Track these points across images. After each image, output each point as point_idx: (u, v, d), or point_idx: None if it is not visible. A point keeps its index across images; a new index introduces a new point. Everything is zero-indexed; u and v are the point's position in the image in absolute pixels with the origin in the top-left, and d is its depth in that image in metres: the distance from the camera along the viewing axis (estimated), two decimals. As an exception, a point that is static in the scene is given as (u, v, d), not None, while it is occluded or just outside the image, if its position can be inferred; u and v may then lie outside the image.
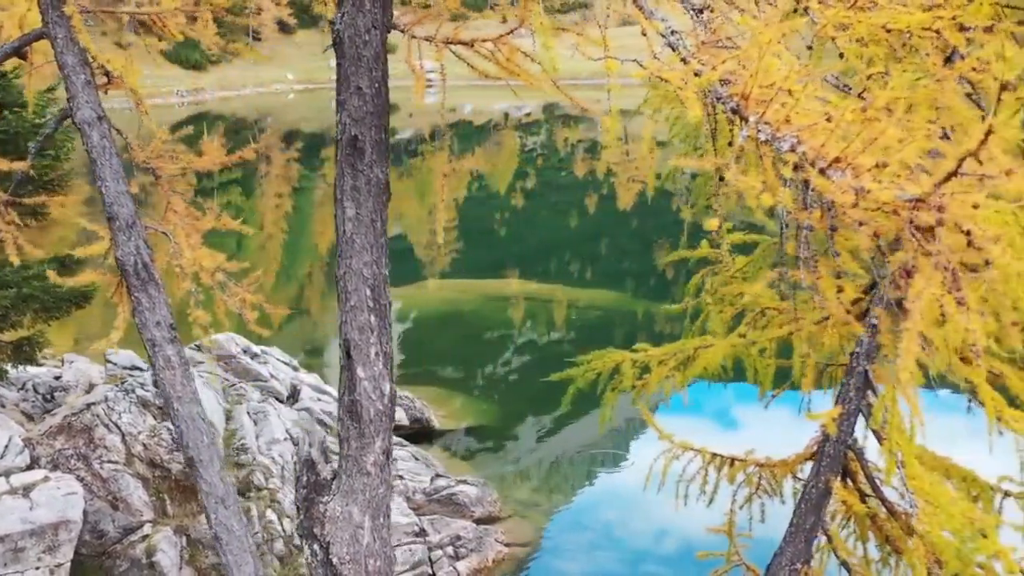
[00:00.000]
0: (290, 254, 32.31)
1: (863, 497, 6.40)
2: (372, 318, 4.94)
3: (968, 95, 4.79)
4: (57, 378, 13.01)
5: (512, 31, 4.56)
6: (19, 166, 6.25)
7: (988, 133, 2.62)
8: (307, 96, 76.80)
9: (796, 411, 6.55)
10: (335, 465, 5.22)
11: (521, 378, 20.56)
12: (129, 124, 6.81)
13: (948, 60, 4.86)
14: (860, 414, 6.37)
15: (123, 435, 11.22)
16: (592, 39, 4.38)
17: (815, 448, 6.57)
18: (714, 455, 7.50)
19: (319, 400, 14.48)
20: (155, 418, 11.43)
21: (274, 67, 78.36)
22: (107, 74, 5.71)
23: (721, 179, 3.84)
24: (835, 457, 6.18)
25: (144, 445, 11.20)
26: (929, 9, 4.46)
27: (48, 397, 12.59)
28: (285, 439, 12.37)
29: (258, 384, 13.94)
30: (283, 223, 36.93)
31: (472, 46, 4.82)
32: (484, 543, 12.24)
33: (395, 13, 5.03)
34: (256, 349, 15.28)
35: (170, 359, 5.60)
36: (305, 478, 5.03)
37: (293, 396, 14.67)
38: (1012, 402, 5.28)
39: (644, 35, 4.02)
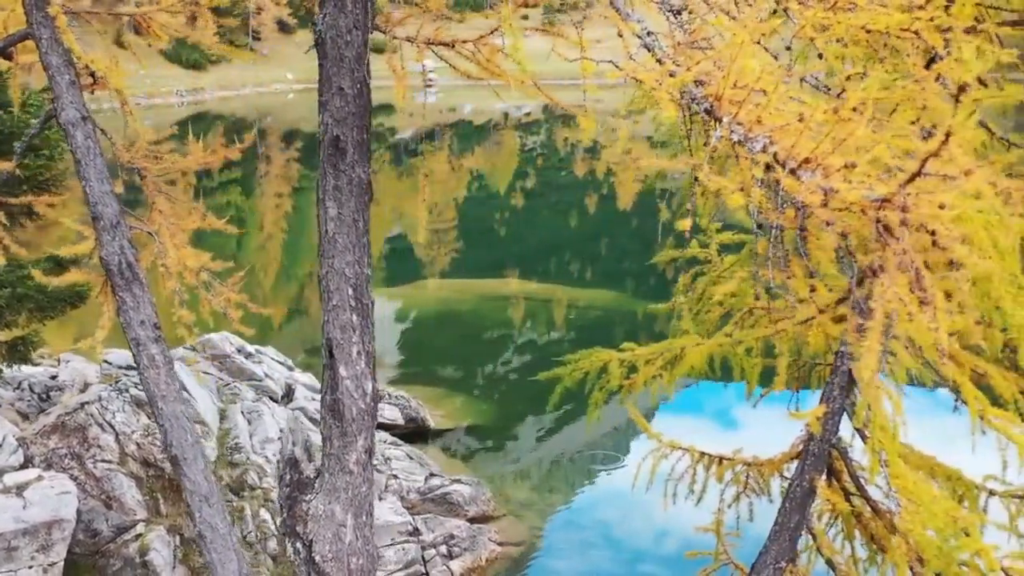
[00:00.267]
0: (290, 254, 32.33)
1: (848, 496, 6.42)
2: (354, 317, 4.96)
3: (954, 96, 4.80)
4: (53, 377, 13.05)
5: (492, 32, 4.58)
6: (4, 166, 6.28)
7: (948, 135, 2.65)
8: (307, 96, 76.79)
9: (789, 410, 6.57)
10: (319, 463, 5.24)
11: (520, 378, 20.56)
12: (121, 124, 6.84)
13: (932, 61, 4.88)
14: (845, 413, 6.39)
15: (117, 434, 11.25)
16: (571, 40, 4.41)
17: (800, 447, 6.59)
18: (702, 454, 7.52)
19: (314, 399, 14.51)
20: (149, 417, 11.45)
21: (274, 67, 78.43)
22: (92, 75, 5.74)
23: (696, 179, 3.86)
24: (819, 456, 6.19)
25: (138, 444, 11.23)
26: (908, 10, 4.47)
27: (44, 396, 12.63)
28: (279, 438, 12.40)
29: (252, 383, 13.97)
30: (283, 223, 36.97)
31: (453, 47, 4.84)
32: (478, 542, 12.26)
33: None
34: (251, 349, 15.32)
35: (154, 358, 5.62)
36: (288, 476, 5.06)
37: (288, 395, 14.70)
38: (996, 401, 5.31)
39: (620, 36, 4.04)
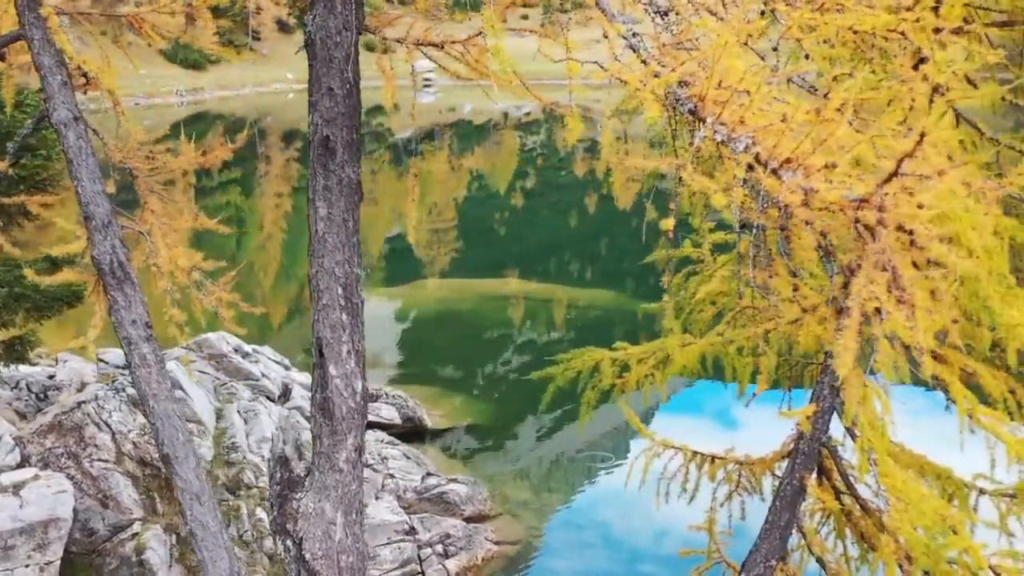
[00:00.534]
0: (289, 254, 32.35)
1: (838, 494, 6.45)
2: (344, 316, 4.99)
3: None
4: (51, 377, 13.09)
5: (480, 33, 4.60)
6: (-2, 166, 6.32)
7: (922, 135, 2.67)
8: (306, 96, 76.59)
9: (781, 409, 6.60)
10: (310, 462, 5.27)
11: (518, 378, 20.57)
12: (115, 125, 6.87)
13: (922, 62, 4.90)
14: (835, 412, 6.42)
15: (113, 433, 11.29)
16: (561, 41, 4.43)
17: (791, 446, 6.62)
18: (695, 453, 7.55)
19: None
20: (145, 417, 11.49)
21: (274, 66, 78.46)
22: (85, 75, 5.77)
23: (680, 179, 3.88)
24: (809, 455, 6.22)
25: (134, 443, 11.26)
26: (895, 11, 4.49)
27: (41, 396, 12.66)
28: (272, 440, 12.44)
29: (249, 383, 14.00)
30: (282, 223, 36.99)
31: (442, 48, 4.87)
32: (474, 541, 12.29)
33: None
34: (248, 348, 15.35)
35: (145, 357, 5.66)
36: (279, 474, 5.09)
37: (284, 395, 14.74)
38: (986, 400, 5.33)
39: (606, 37, 4.07)
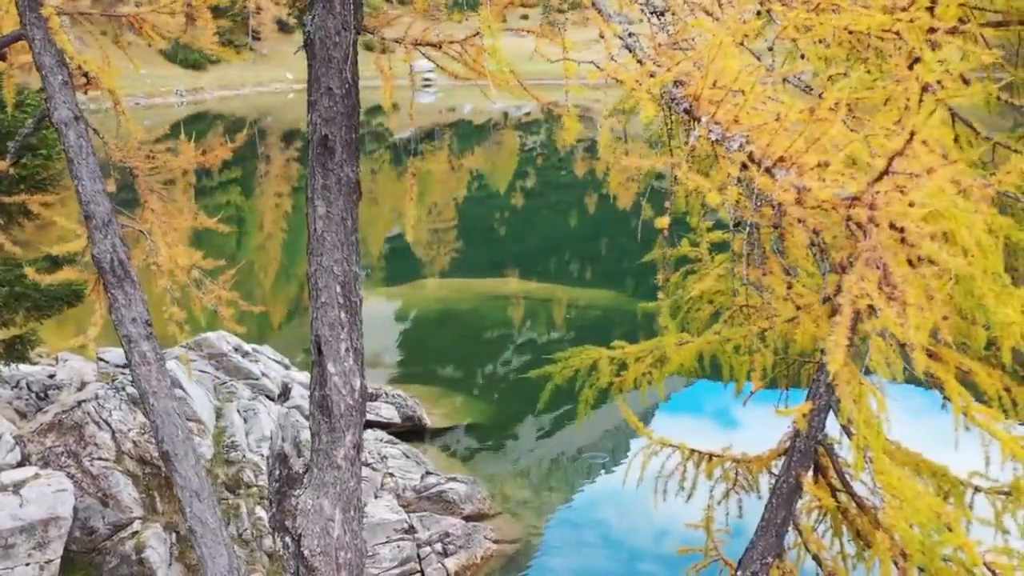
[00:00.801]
0: (289, 253, 32.38)
1: (834, 492, 6.48)
2: (343, 314, 5.03)
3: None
4: (51, 376, 13.13)
5: (477, 33, 4.64)
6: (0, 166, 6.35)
7: (912, 134, 2.71)
8: (306, 95, 76.61)
9: (777, 407, 6.63)
10: (308, 459, 5.31)
11: (518, 378, 20.58)
12: (115, 124, 6.90)
13: (917, 62, 4.93)
14: (831, 410, 6.45)
15: (113, 432, 11.32)
16: (557, 40, 4.46)
17: (788, 444, 6.65)
18: (692, 451, 7.58)
19: (310, 398, 14.57)
20: (145, 415, 11.52)
21: (274, 66, 78.50)
22: (85, 75, 5.81)
23: (675, 178, 3.92)
24: (805, 452, 6.25)
25: (134, 442, 11.30)
26: (891, 12, 4.52)
27: (41, 395, 12.70)
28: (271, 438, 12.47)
29: (249, 382, 14.04)
30: (282, 222, 37.02)
31: (440, 48, 4.90)
32: (473, 540, 12.32)
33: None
34: (248, 347, 15.39)
35: (145, 355, 5.69)
36: (277, 472, 5.12)
37: (284, 394, 14.77)
38: (981, 398, 5.37)
39: (602, 37, 4.10)
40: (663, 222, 3.54)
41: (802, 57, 4.93)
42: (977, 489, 6.53)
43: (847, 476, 6.42)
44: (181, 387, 12.15)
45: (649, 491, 7.97)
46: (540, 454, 16.54)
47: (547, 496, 14.68)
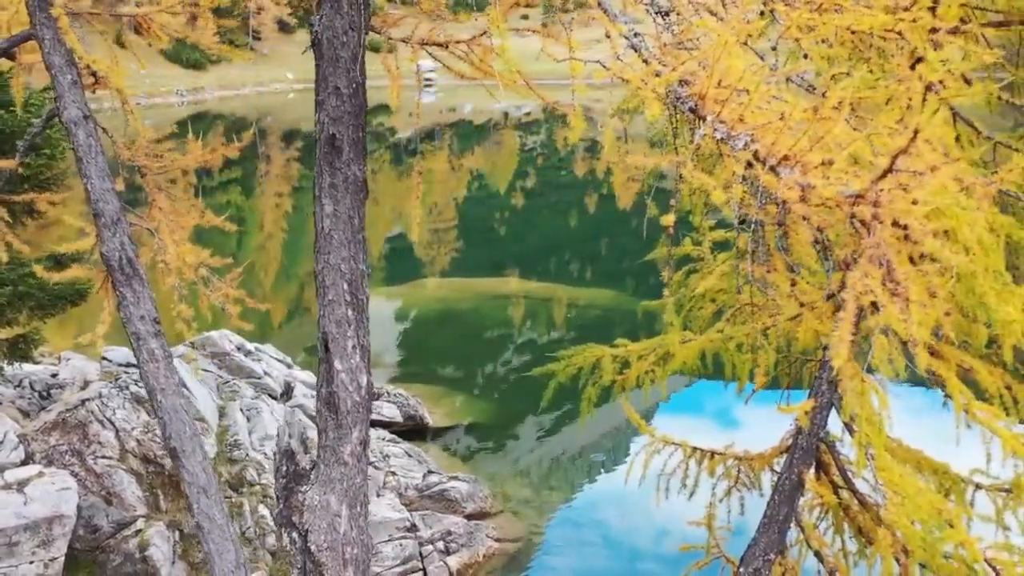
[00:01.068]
0: (289, 253, 32.41)
1: (836, 489, 6.52)
2: (350, 312, 5.07)
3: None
4: (54, 375, 13.17)
5: (484, 33, 4.68)
6: (6, 165, 6.39)
7: (915, 132, 2.75)
8: (307, 95, 76.01)
9: (779, 405, 6.66)
10: (315, 455, 5.34)
11: (519, 377, 20.62)
12: (121, 123, 6.95)
13: (919, 61, 4.97)
14: (834, 408, 6.49)
15: (117, 431, 11.36)
16: (564, 40, 4.51)
17: (790, 441, 6.69)
18: (694, 449, 7.62)
19: (312, 397, 14.61)
20: (149, 414, 11.57)
21: (274, 66, 78.55)
22: (94, 74, 5.86)
23: (681, 176, 3.96)
24: (807, 450, 6.29)
25: (138, 441, 11.34)
26: (893, 12, 4.56)
27: (45, 394, 12.75)
28: (278, 435, 12.51)
29: (252, 381, 14.08)
30: (283, 222, 37.06)
31: (447, 47, 4.94)
32: (475, 538, 12.36)
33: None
34: (250, 346, 15.43)
35: (154, 352, 5.74)
36: (284, 468, 5.16)
37: (287, 393, 14.81)
38: (981, 396, 5.40)
39: (608, 37, 4.15)
40: (669, 220, 3.58)
41: (805, 57, 4.97)
42: (978, 486, 6.57)
43: (849, 473, 6.46)
44: (185, 386, 12.16)
45: (651, 489, 8.00)
46: (541, 453, 16.58)
47: (548, 495, 14.72)
